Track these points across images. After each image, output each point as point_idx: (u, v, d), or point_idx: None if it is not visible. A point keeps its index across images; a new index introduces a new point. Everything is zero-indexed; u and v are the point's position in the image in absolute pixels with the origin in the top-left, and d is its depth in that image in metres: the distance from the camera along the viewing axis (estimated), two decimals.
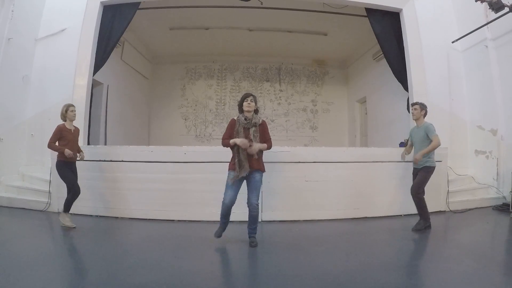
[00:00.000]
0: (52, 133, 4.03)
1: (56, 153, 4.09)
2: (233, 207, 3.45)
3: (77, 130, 4.28)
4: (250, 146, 3.33)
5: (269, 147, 3.55)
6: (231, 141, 3.40)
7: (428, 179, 4.04)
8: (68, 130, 4.11)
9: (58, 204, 4.86)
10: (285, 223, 4.50)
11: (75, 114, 4.21)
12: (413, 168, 4.22)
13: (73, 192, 4.08)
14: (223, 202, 3.44)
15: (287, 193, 4.67)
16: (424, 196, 4.04)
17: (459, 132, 6.16)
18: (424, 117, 4.18)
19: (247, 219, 3.46)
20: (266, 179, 4.53)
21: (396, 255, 3.28)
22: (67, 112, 4.12)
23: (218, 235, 3.52)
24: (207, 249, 3.45)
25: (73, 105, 4.24)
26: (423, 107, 4.15)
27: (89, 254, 3.22)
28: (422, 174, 4.02)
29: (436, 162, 5.13)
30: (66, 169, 4.08)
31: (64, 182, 4.09)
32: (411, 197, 4.86)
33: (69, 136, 4.08)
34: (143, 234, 4.07)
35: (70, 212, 4.11)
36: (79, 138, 4.36)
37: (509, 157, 5.46)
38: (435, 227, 4.45)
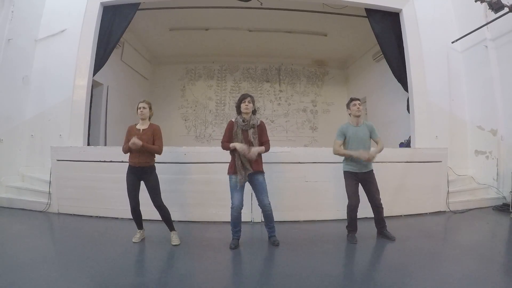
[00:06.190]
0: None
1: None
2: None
3: (149, 130, 3.54)
4: (249, 151, 3.28)
5: (267, 150, 3.49)
6: (231, 145, 3.34)
7: None
8: (136, 130, 3.54)
9: (57, 205, 4.88)
10: (285, 223, 4.48)
11: (142, 111, 3.52)
12: (356, 172, 3.65)
13: (130, 204, 3.52)
14: (232, 207, 3.40)
15: (287, 194, 4.66)
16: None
17: (459, 132, 6.16)
18: None
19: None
20: (266, 179, 4.53)
21: (396, 255, 3.28)
22: (137, 109, 3.55)
23: (234, 246, 3.41)
24: (207, 250, 3.45)
25: (142, 101, 3.58)
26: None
27: (89, 254, 3.22)
28: (374, 179, 3.68)
29: (436, 163, 5.19)
30: (129, 174, 3.54)
31: None
32: (410, 197, 4.80)
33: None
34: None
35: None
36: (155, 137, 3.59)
37: (509, 157, 5.46)
38: (435, 227, 4.47)
